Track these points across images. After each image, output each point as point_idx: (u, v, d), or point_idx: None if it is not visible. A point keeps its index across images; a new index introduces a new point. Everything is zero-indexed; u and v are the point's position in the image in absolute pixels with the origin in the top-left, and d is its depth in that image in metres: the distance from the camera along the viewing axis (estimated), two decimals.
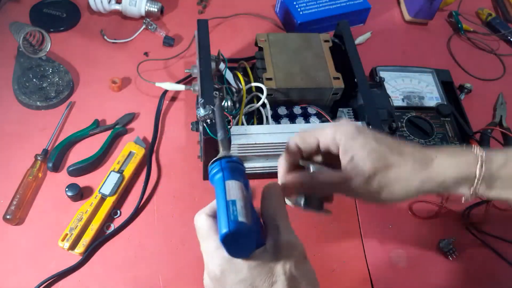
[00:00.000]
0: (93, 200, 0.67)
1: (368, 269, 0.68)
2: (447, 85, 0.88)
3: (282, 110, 0.75)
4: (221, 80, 0.74)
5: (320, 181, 0.46)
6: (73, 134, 0.74)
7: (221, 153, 0.42)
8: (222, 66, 0.75)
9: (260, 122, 0.73)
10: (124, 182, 0.69)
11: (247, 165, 0.71)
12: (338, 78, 0.74)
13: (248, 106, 0.72)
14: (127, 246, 0.66)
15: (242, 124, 0.71)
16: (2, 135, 0.74)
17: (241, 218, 0.36)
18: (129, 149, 0.72)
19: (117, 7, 0.91)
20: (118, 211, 0.68)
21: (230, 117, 0.64)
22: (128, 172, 0.70)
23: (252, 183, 0.75)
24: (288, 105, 0.74)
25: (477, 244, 0.72)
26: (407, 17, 1.03)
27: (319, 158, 0.50)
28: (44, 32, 0.80)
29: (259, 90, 0.72)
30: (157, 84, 0.79)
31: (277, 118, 0.75)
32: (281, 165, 0.49)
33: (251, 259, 0.38)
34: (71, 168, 0.70)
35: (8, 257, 0.63)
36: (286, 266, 0.38)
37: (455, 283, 0.68)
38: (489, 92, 0.93)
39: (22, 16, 0.89)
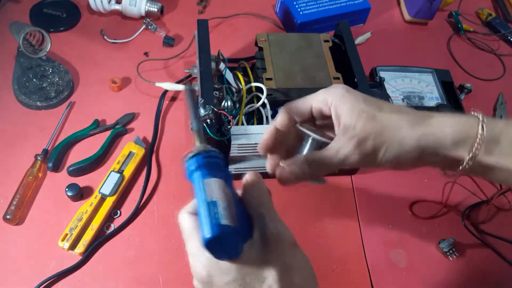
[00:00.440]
0: (93, 200, 0.66)
1: (368, 269, 0.68)
2: (447, 85, 0.88)
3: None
4: (221, 80, 0.74)
5: (319, 166, 0.44)
6: (73, 134, 0.74)
7: (197, 147, 0.39)
8: (222, 66, 0.75)
9: (260, 122, 0.73)
10: (124, 182, 0.69)
11: (247, 165, 0.71)
12: (338, 78, 0.74)
13: (248, 106, 0.72)
14: (127, 246, 0.66)
15: (242, 124, 0.71)
16: (2, 135, 0.74)
17: (224, 221, 0.34)
18: (129, 149, 0.72)
19: (117, 7, 0.91)
20: (118, 211, 0.68)
21: (230, 117, 0.64)
22: (128, 172, 0.70)
23: None
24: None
25: (477, 244, 0.72)
26: (407, 17, 1.03)
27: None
28: (44, 32, 0.80)
29: (259, 90, 0.72)
30: (157, 84, 0.79)
31: None
32: (267, 138, 0.47)
33: (238, 258, 0.37)
34: (71, 168, 0.70)
35: (8, 257, 0.63)
36: (276, 258, 0.37)
37: (455, 283, 0.68)
38: (489, 92, 0.93)
39: (22, 16, 0.89)
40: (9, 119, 0.76)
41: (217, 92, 0.69)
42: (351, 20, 0.94)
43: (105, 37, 0.89)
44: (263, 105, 0.72)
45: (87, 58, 0.85)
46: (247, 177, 0.41)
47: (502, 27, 1.04)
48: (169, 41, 0.89)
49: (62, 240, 0.63)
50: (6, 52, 0.83)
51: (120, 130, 0.76)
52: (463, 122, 0.42)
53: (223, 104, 0.70)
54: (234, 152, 0.66)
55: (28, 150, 0.71)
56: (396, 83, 0.88)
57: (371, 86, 0.78)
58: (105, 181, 0.68)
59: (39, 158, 0.70)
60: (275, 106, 0.74)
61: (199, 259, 0.38)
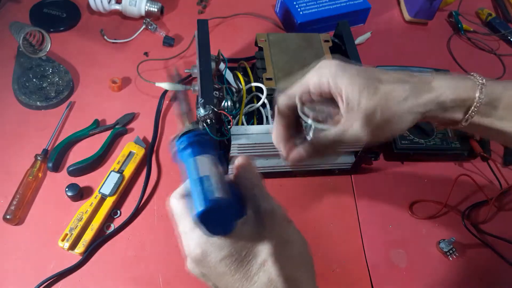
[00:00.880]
0: (93, 200, 0.66)
1: (368, 269, 0.68)
2: None
3: None
4: (221, 80, 0.74)
5: (323, 145, 0.45)
6: (73, 134, 0.74)
7: (187, 126, 0.39)
8: (222, 66, 0.75)
9: (260, 122, 0.73)
10: (124, 182, 0.69)
11: None
12: None
13: (248, 106, 0.72)
14: (127, 246, 0.66)
15: (242, 124, 0.71)
16: (2, 135, 0.74)
17: (217, 194, 0.34)
18: (129, 149, 0.72)
19: (117, 7, 0.91)
20: (118, 211, 0.68)
21: (230, 117, 0.64)
22: (128, 172, 0.70)
23: None
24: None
25: (477, 244, 0.72)
26: (407, 17, 1.03)
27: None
28: (44, 32, 0.80)
29: (259, 90, 0.71)
30: (157, 84, 0.79)
31: None
32: (277, 133, 0.47)
33: (232, 233, 0.36)
34: (71, 168, 0.70)
35: (8, 257, 0.63)
36: (270, 233, 0.37)
37: (455, 283, 0.68)
38: None
39: (22, 16, 0.89)
40: (9, 119, 0.76)
41: (217, 92, 0.69)
42: (351, 20, 0.94)
43: (105, 37, 0.89)
44: (263, 105, 0.72)
45: (87, 58, 0.85)
46: (239, 160, 0.41)
47: (502, 27, 1.04)
48: (169, 41, 0.89)
49: (62, 240, 0.63)
50: (6, 52, 0.83)
51: (120, 130, 0.76)
52: (463, 85, 0.43)
53: (223, 104, 0.70)
54: (234, 152, 0.66)
55: (28, 150, 0.71)
56: None
57: None
58: (105, 181, 0.68)
59: (39, 158, 0.70)
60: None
61: (192, 237, 0.37)
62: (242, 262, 0.36)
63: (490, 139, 0.46)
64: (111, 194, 0.67)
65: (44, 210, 0.67)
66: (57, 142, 0.73)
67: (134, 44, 0.89)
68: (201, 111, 0.61)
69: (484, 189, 0.76)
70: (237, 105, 0.72)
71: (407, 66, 0.90)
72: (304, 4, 0.95)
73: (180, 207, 0.39)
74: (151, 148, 0.75)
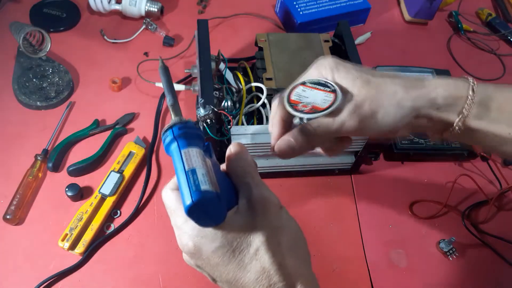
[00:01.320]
0: (93, 200, 0.66)
1: (368, 269, 0.68)
2: None
3: None
4: (221, 80, 0.74)
5: (312, 133, 0.45)
6: (73, 134, 0.74)
7: (173, 119, 0.38)
8: (222, 66, 0.75)
9: (260, 122, 0.73)
10: (124, 182, 0.69)
11: None
12: None
13: (248, 106, 0.72)
14: (127, 246, 0.66)
15: (242, 124, 0.71)
16: (2, 135, 0.74)
17: (204, 186, 0.34)
18: (129, 149, 0.72)
19: (117, 7, 0.91)
20: (118, 211, 0.68)
21: (230, 117, 0.64)
22: (128, 172, 0.70)
23: None
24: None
25: (477, 244, 0.72)
26: (407, 17, 1.03)
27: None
28: (44, 32, 0.80)
29: (259, 90, 0.71)
30: (157, 84, 0.79)
31: None
32: (275, 125, 0.48)
33: (224, 223, 0.36)
34: (71, 168, 0.70)
35: (8, 257, 0.63)
36: (261, 221, 0.37)
37: (455, 283, 0.68)
38: None
39: (22, 16, 0.89)
40: (9, 119, 0.76)
41: (217, 92, 0.69)
42: (351, 20, 0.94)
43: (105, 37, 0.89)
44: (263, 105, 0.72)
45: (87, 58, 0.85)
46: (231, 148, 0.41)
47: (502, 27, 1.04)
48: (169, 41, 0.89)
49: (62, 240, 0.63)
50: (6, 52, 0.83)
51: (120, 130, 0.76)
52: (454, 84, 0.43)
53: (223, 104, 0.70)
54: None
55: (28, 150, 0.71)
56: None
57: None
58: (105, 181, 0.68)
59: (39, 158, 0.70)
60: None
61: (184, 230, 0.37)
62: (234, 252, 0.36)
63: (485, 148, 0.45)
64: (111, 194, 0.67)
65: (44, 210, 0.67)
66: (57, 142, 0.73)
67: (134, 44, 0.89)
68: (201, 111, 0.61)
69: (484, 189, 0.76)
70: (237, 105, 0.72)
71: (407, 66, 0.90)
72: (304, 4, 0.95)
73: (172, 200, 0.39)
74: (151, 148, 0.75)
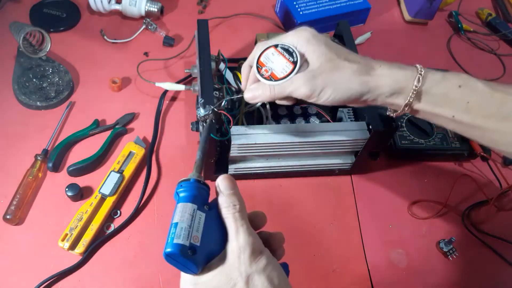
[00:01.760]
0: (93, 200, 0.66)
1: (368, 269, 0.68)
2: None
3: (282, 110, 0.75)
4: (221, 80, 0.74)
5: (275, 89, 0.52)
6: (73, 134, 0.74)
7: (190, 175, 0.43)
8: (222, 66, 0.75)
9: (260, 122, 0.73)
10: (124, 182, 0.69)
11: (247, 165, 0.71)
12: None
13: (248, 106, 0.72)
14: (127, 246, 0.66)
15: (242, 124, 0.71)
16: (2, 135, 0.74)
17: (176, 240, 0.38)
18: (129, 149, 0.72)
19: (117, 7, 0.91)
20: (118, 211, 0.68)
21: (230, 117, 0.64)
22: (128, 172, 0.70)
23: (252, 183, 0.75)
24: (288, 105, 0.74)
25: (477, 244, 0.72)
26: (407, 17, 1.03)
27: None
28: (44, 32, 0.80)
29: None
30: (157, 84, 0.79)
31: (277, 118, 0.75)
32: (244, 73, 0.57)
33: (210, 270, 0.39)
34: (71, 168, 0.70)
35: (8, 257, 0.63)
36: (241, 268, 0.39)
37: (455, 283, 0.68)
38: None
39: (22, 16, 0.89)
40: (9, 119, 0.76)
41: (217, 92, 0.69)
42: (351, 20, 0.94)
43: (105, 37, 0.89)
44: (263, 105, 0.72)
45: (87, 58, 0.85)
46: (218, 182, 0.43)
47: (502, 27, 1.04)
48: (169, 41, 0.89)
49: (62, 240, 0.63)
50: (6, 52, 0.83)
51: (120, 130, 0.76)
52: (402, 75, 0.50)
53: (223, 104, 0.70)
54: (234, 152, 0.66)
55: (28, 150, 0.71)
56: None
57: None
58: (105, 181, 0.68)
59: (39, 158, 0.70)
60: (275, 106, 0.74)
61: (183, 277, 0.41)
62: None
63: (439, 124, 0.52)
64: (111, 194, 0.67)
65: (44, 210, 0.67)
66: (57, 142, 0.73)
67: (134, 44, 0.89)
68: (201, 111, 0.61)
69: (484, 189, 0.76)
70: (237, 105, 0.72)
71: None
72: (304, 4, 0.95)
73: None
74: (151, 148, 0.75)
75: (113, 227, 0.67)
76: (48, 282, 0.61)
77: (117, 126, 0.76)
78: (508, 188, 0.77)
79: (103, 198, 0.67)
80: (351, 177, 0.77)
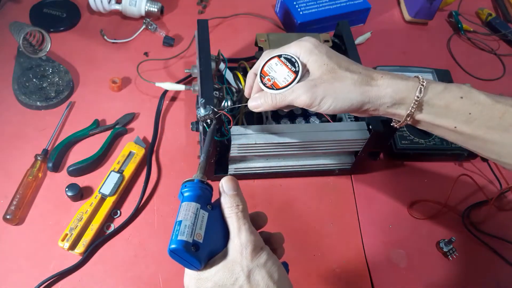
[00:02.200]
0: (93, 200, 0.66)
1: (368, 269, 0.68)
2: None
3: (282, 110, 0.75)
4: (221, 80, 0.74)
5: (276, 98, 0.53)
6: (73, 134, 0.74)
7: (194, 175, 0.45)
8: (222, 66, 0.75)
9: (260, 122, 0.73)
10: (124, 182, 0.69)
11: (247, 165, 0.71)
12: None
13: None
14: (127, 246, 0.66)
15: (242, 124, 0.71)
16: (2, 135, 0.74)
17: (180, 237, 0.39)
18: (129, 149, 0.72)
19: (117, 7, 0.91)
20: (118, 211, 0.68)
21: (230, 117, 0.64)
22: (128, 172, 0.70)
23: (252, 183, 0.75)
24: None
25: (477, 244, 0.72)
26: (407, 17, 1.03)
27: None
28: (44, 32, 0.80)
29: None
30: (157, 84, 0.79)
31: (277, 118, 0.75)
32: (249, 82, 0.58)
33: (213, 266, 0.41)
34: (71, 168, 0.70)
35: (8, 257, 0.63)
36: (243, 263, 0.41)
37: (455, 283, 0.68)
38: (489, 92, 0.93)
39: (22, 16, 0.89)
40: (9, 119, 0.76)
41: (217, 92, 0.69)
42: (351, 20, 0.94)
43: (105, 37, 0.89)
44: None
45: (87, 58, 0.85)
46: (222, 183, 0.44)
47: (502, 27, 1.04)
48: (169, 41, 0.89)
49: (62, 240, 0.63)
50: (6, 52, 0.83)
51: (120, 130, 0.76)
52: (403, 85, 0.50)
53: (223, 104, 0.70)
54: (234, 152, 0.66)
55: (28, 150, 0.71)
56: None
57: None
58: (105, 181, 0.68)
59: (39, 158, 0.70)
60: None
61: (187, 272, 0.43)
62: None
63: (440, 135, 0.53)
64: (111, 194, 0.67)
65: (44, 210, 0.67)
66: (57, 142, 0.73)
67: (134, 44, 0.89)
68: (201, 111, 0.61)
69: (484, 189, 0.76)
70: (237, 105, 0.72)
71: (407, 66, 0.90)
72: (304, 4, 0.95)
73: None
74: (151, 148, 0.75)
75: (113, 227, 0.67)
76: (48, 282, 0.61)
77: (117, 126, 0.76)
78: (508, 188, 0.77)
79: (103, 198, 0.67)
80: (351, 177, 0.77)
